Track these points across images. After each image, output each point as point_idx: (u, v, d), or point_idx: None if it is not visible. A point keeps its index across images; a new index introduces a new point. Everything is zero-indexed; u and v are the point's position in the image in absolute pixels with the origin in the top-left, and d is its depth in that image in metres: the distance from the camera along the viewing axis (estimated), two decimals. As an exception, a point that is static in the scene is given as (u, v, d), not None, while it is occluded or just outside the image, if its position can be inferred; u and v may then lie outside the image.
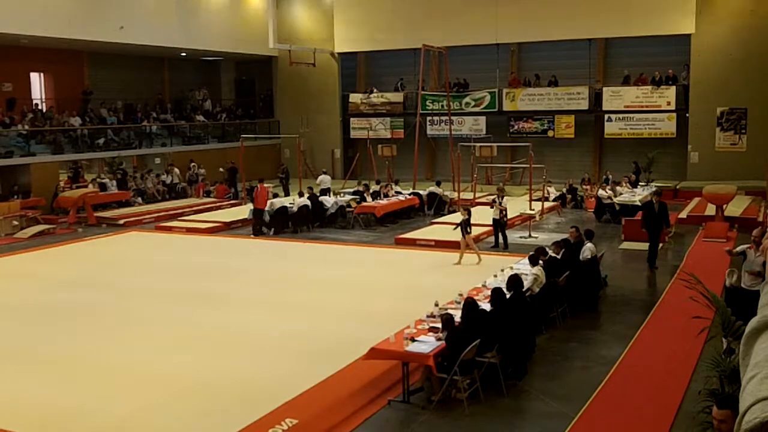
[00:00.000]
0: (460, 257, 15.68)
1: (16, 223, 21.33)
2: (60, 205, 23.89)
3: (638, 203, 20.74)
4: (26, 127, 25.42)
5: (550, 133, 29.52)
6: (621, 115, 28.16)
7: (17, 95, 26.83)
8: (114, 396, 8.94)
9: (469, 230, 15.75)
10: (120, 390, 9.13)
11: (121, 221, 22.44)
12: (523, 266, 11.73)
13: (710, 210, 19.80)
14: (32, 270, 16.74)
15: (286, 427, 7.86)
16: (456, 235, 16.14)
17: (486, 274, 12.23)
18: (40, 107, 27.67)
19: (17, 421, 8.15)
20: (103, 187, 25.30)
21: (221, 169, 28.64)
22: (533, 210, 20.07)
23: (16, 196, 23.59)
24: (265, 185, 21.31)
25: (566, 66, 29.73)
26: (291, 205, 20.77)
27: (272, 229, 20.24)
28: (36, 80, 28.71)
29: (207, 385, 9.22)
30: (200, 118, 32.29)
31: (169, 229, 21.37)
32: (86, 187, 25.31)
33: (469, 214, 15.98)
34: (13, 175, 24.47)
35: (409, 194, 23.09)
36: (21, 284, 15.20)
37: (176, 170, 28.37)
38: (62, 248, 19.10)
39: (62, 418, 8.27)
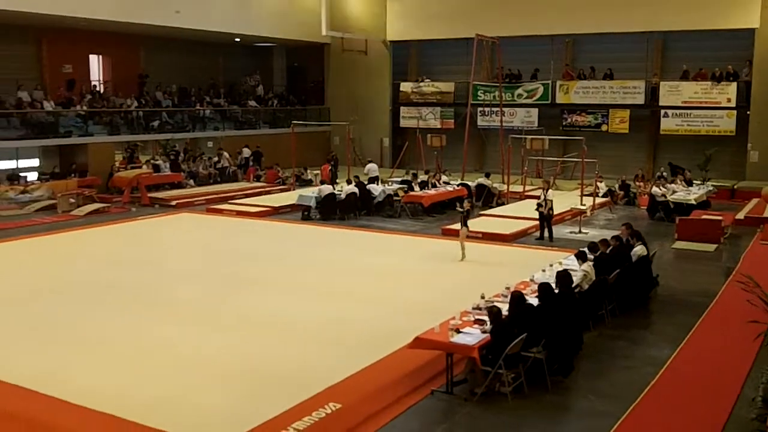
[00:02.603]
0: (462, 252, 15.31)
1: (72, 200, 21.85)
2: (115, 185, 24.40)
3: (693, 202, 20.34)
4: (84, 107, 25.98)
5: (604, 128, 29.06)
6: (678, 111, 27.60)
7: (77, 77, 27.43)
8: (158, 376, 9.07)
9: (466, 224, 15.42)
10: (164, 370, 9.26)
11: (173, 202, 22.81)
12: (571, 262, 11.57)
13: (769, 211, 19.29)
14: (86, 248, 17.14)
15: (329, 411, 7.90)
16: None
17: (534, 268, 12.09)
18: (98, 89, 28.22)
19: (62, 396, 8.34)
20: (156, 168, 25.73)
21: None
22: (584, 205, 19.77)
23: (73, 175, 24.19)
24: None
25: (622, 59, 29.22)
26: (339, 193, 20.85)
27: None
28: (95, 62, 29.29)
29: (251, 368, 9.30)
30: (252, 103, 32.62)
31: (220, 212, 21.64)
32: (140, 168, 25.78)
33: (467, 211, 15.72)
34: (72, 154, 25.08)
35: (458, 185, 22.96)
36: (74, 261, 15.56)
37: (226, 154, 28.70)
38: (116, 227, 19.50)
39: (105, 396, 8.38)
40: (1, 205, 21.78)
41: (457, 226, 18.54)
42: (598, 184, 23.09)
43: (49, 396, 8.37)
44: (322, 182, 23.88)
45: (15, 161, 25.14)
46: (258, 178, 27.82)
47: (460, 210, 15.65)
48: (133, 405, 8.13)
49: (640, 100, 28.35)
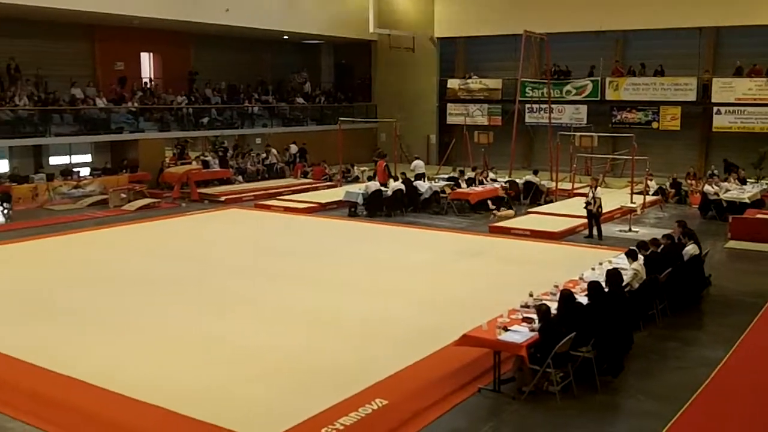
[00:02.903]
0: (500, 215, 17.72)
1: (124, 195, 22.28)
2: (165, 180, 24.77)
3: (747, 200, 19.88)
4: (136, 104, 26.44)
5: (655, 125, 28.60)
6: (731, 108, 26.98)
7: (128, 74, 27.91)
8: (204, 369, 9.16)
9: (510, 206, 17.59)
10: (210, 363, 9.36)
11: (222, 198, 23.10)
12: (622, 260, 11.39)
13: (825, 211, 18.72)
14: (137, 242, 17.44)
15: (376, 407, 7.91)
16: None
17: (583, 266, 11.95)
18: (149, 86, 28.70)
19: (113, 386, 8.49)
20: (205, 164, 26.05)
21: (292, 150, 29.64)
22: (634, 203, 19.46)
23: (124, 170, 24.65)
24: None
25: (674, 55, 28.69)
26: (385, 189, 20.88)
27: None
28: (146, 60, 29.77)
29: (297, 362, 9.36)
30: (300, 100, 32.82)
31: (268, 208, 21.84)
32: (190, 164, 26.13)
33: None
34: (123, 150, 25.57)
35: (505, 182, 22.78)
36: (125, 255, 15.82)
37: (274, 151, 28.94)
38: (166, 222, 19.83)
39: (151, 387, 8.50)
40: (55, 199, 22.33)
41: (506, 222, 18.52)
42: (649, 182, 22.70)
43: (93, 385, 8.54)
44: (369, 178, 23.87)
45: (68, 157, 25.74)
46: (305, 175, 28.00)
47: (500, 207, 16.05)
48: (179, 396, 8.23)
49: (691, 96, 27.81)
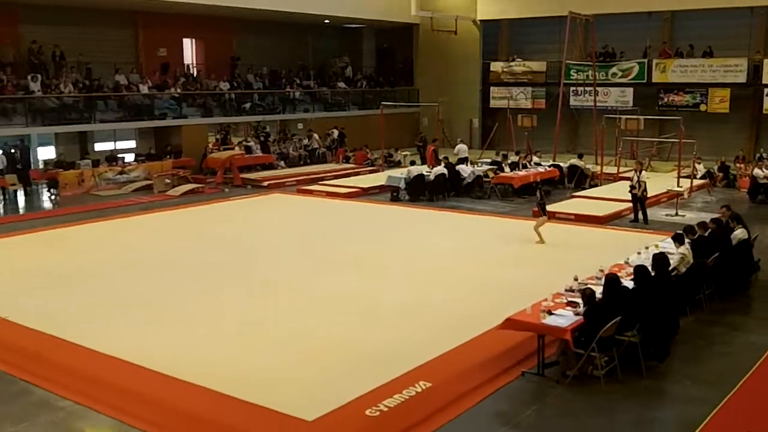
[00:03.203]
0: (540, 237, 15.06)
1: (168, 181, 22.58)
2: (208, 166, 25.04)
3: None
4: (178, 90, 26.71)
5: (703, 107, 28.01)
6: (783, 90, 26.28)
7: (171, 60, 28.20)
8: (248, 352, 9.24)
9: (544, 211, 15.23)
10: (253, 347, 9.44)
11: (265, 183, 23.26)
12: (668, 245, 11.20)
13: None
14: (181, 227, 17.68)
15: (419, 389, 7.91)
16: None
17: (628, 251, 11.77)
18: (191, 72, 28.96)
19: (160, 368, 8.62)
20: (248, 149, 26.25)
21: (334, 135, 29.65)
22: (681, 187, 19.12)
23: (168, 156, 24.96)
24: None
25: (723, 36, 27.96)
26: (428, 174, 20.81)
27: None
28: (188, 46, 30.05)
29: (340, 346, 9.40)
30: (341, 85, 32.83)
31: (310, 193, 21.94)
32: (233, 149, 26.35)
33: (542, 196, 15.46)
34: (166, 135, 25.88)
35: (549, 166, 22.54)
36: (170, 240, 16.06)
37: (315, 136, 29.04)
38: (210, 206, 20.04)
39: (196, 369, 8.59)
40: (101, 185, 22.73)
41: (550, 207, 18.29)
42: (696, 165, 22.27)
43: (141, 366, 8.67)
44: (412, 163, 23.87)
45: (113, 143, 26.16)
46: (347, 160, 28.05)
47: (539, 200, 15.44)
48: (226, 379, 8.30)
49: (741, 78, 27.14)
